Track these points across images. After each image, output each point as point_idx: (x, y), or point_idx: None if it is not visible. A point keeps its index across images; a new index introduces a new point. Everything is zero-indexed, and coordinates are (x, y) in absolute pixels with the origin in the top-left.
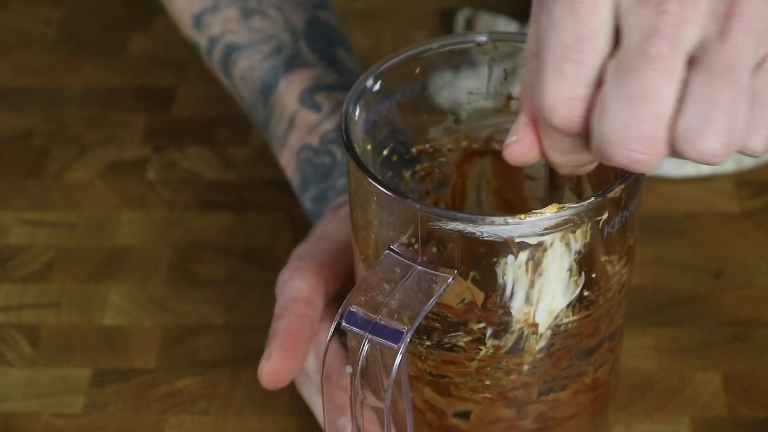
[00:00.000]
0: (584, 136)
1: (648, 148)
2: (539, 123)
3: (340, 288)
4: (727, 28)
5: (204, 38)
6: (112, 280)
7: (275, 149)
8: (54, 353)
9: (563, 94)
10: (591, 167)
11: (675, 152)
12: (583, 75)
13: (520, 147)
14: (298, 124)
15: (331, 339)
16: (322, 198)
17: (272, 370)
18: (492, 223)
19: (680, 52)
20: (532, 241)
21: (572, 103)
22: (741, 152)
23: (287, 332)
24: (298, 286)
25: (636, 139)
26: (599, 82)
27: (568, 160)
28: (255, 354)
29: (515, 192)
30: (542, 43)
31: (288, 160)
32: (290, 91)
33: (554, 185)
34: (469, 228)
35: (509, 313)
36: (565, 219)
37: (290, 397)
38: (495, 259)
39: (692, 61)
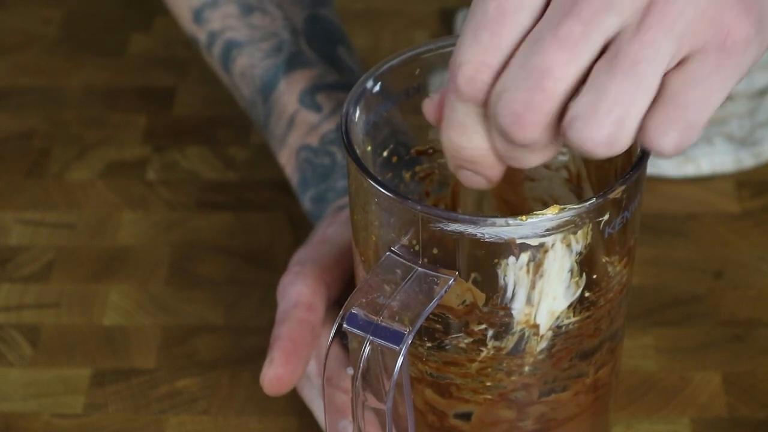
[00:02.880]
0: (479, 114)
1: (528, 118)
2: (448, 87)
3: (341, 292)
4: (643, 23)
5: (203, 33)
6: (112, 280)
7: (274, 148)
8: (54, 353)
9: (473, 57)
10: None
11: (564, 137)
12: (496, 45)
13: (429, 103)
14: (298, 124)
15: (332, 341)
16: (322, 199)
17: (275, 376)
18: (493, 225)
19: (593, 39)
20: (533, 242)
21: (479, 67)
22: (652, 150)
23: (289, 338)
24: (299, 291)
25: (521, 103)
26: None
27: (456, 141)
28: (255, 354)
29: (515, 193)
30: (470, 12)
31: (287, 160)
32: (290, 90)
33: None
34: (471, 229)
35: (510, 315)
36: (566, 220)
37: (290, 397)
38: (496, 261)
39: (604, 49)
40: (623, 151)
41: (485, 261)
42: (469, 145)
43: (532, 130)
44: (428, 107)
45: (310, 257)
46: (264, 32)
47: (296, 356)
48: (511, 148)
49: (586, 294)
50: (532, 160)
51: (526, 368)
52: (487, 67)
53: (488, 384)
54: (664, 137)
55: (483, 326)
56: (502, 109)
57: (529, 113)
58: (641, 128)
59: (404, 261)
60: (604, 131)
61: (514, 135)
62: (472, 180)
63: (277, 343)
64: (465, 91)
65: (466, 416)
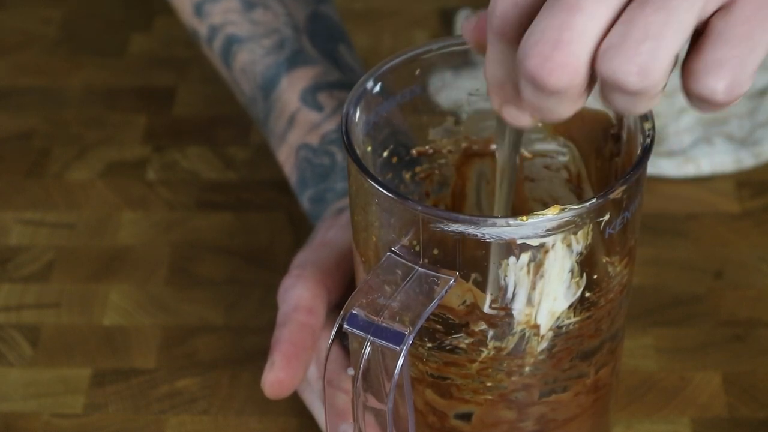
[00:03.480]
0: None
1: (557, 58)
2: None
3: (342, 296)
4: None
5: (204, 27)
6: (112, 280)
7: (273, 145)
8: (54, 353)
9: None
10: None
11: (597, 72)
12: None
13: (467, 24)
14: (299, 122)
15: (332, 342)
16: (320, 199)
17: (276, 380)
18: (494, 225)
19: None
20: (534, 242)
21: (510, 4)
22: (697, 98)
23: (290, 341)
24: (299, 294)
25: (549, 42)
26: None
27: (492, 74)
28: (255, 354)
29: (515, 193)
30: None
31: (286, 157)
32: (292, 89)
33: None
34: (471, 230)
35: (511, 315)
36: (567, 220)
37: (290, 398)
38: (497, 261)
39: None
40: (658, 87)
41: (486, 261)
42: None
43: (561, 73)
44: (466, 28)
45: (310, 260)
46: (266, 28)
47: (297, 360)
48: (539, 96)
49: (587, 294)
50: (560, 111)
51: (527, 369)
52: (516, 6)
53: (489, 384)
54: (715, 78)
55: (483, 327)
56: (530, 50)
57: (558, 53)
58: (689, 72)
59: (405, 261)
60: (637, 59)
61: (541, 79)
62: (514, 117)
63: (278, 347)
64: (496, 26)
65: (466, 417)
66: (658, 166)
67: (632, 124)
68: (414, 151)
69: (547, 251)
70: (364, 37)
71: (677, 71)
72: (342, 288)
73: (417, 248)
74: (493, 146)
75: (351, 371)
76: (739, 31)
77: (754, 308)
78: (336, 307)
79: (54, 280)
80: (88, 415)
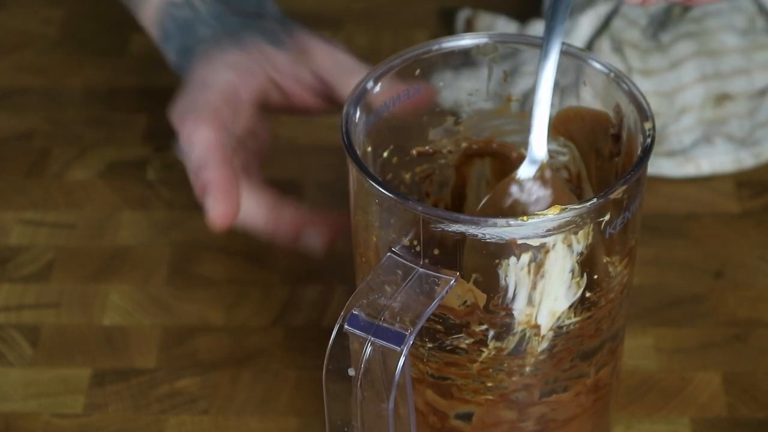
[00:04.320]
0: None
1: None
2: None
3: (240, 128)
4: None
5: None
6: (112, 280)
7: (135, 9)
8: (54, 353)
9: None
10: None
11: None
12: None
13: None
14: None
15: (334, 343)
16: (188, 50)
17: (222, 213)
18: (494, 225)
19: None
20: (535, 242)
21: None
22: None
23: (219, 178)
24: (206, 136)
25: None
26: None
27: None
28: (255, 354)
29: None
30: None
31: (149, 16)
32: None
33: None
34: (472, 230)
35: (511, 315)
36: (567, 220)
37: (290, 397)
38: (497, 261)
39: None
40: None
41: (486, 261)
42: None
43: None
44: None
45: (198, 103)
46: None
47: (231, 192)
48: None
49: (587, 294)
50: None
51: (527, 369)
52: None
53: (489, 384)
54: None
55: (484, 327)
56: None
57: None
58: None
59: (405, 261)
60: None
61: None
62: None
63: (212, 186)
64: None
65: (467, 417)
66: (658, 166)
67: (632, 124)
68: (414, 151)
69: (547, 251)
70: (364, 37)
71: (673, 75)
72: (236, 121)
73: (417, 248)
74: (494, 146)
75: (352, 371)
76: None
77: (754, 308)
78: (238, 139)
79: (54, 280)
80: (88, 415)
